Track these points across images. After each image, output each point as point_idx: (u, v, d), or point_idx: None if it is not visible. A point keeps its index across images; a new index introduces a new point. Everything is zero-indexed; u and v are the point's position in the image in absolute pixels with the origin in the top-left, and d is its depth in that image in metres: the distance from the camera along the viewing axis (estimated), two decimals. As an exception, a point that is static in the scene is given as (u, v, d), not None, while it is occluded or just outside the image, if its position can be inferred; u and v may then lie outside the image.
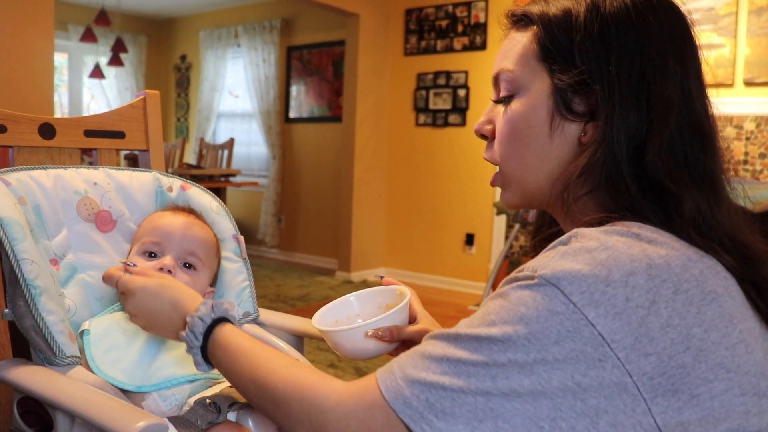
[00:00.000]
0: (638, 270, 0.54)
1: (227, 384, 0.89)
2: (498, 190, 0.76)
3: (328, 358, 2.87)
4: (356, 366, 2.80)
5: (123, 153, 4.38)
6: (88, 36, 5.32)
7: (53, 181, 0.97)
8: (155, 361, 0.87)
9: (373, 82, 4.70)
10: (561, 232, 0.67)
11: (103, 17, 5.04)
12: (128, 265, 0.86)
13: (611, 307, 0.53)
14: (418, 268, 4.72)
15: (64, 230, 0.96)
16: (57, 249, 0.94)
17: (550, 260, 0.56)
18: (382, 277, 0.93)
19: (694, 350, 0.53)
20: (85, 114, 3.05)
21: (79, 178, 1.01)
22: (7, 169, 0.93)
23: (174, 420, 0.84)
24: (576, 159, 0.65)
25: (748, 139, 3.37)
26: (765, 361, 0.57)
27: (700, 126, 0.64)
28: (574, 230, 0.59)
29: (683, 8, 0.67)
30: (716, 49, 3.41)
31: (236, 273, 1.07)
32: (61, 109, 6.16)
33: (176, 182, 1.11)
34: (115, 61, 5.56)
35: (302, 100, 5.53)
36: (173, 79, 6.73)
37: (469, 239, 4.46)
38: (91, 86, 6.36)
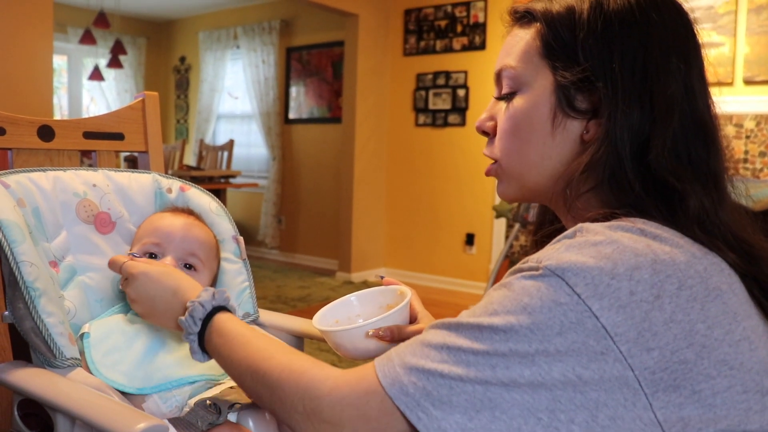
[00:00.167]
0: (643, 264, 0.54)
1: (228, 385, 0.89)
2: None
3: (328, 359, 2.87)
4: (356, 366, 2.80)
5: (122, 155, 4.37)
6: (87, 38, 5.32)
7: (52, 183, 0.97)
8: (155, 363, 0.87)
9: (372, 83, 4.70)
10: (563, 229, 0.67)
11: (102, 19, 5.04)
12: (134, 256, 0.88)
13: (615, 300, 0.52)
14: (419, 268, 4.72)
15: (63, 232, 0.96)
16: (56, 251, 0.94)
17: (555, 252, 0.56)
18: (382, 277, 0.93)
19: (697, 346, 0.53)
20: (85, 116, 3.05)
21: (78, 179, 1.00)
22: (6, 171, 0.93)
23: (174, 421, 0.83)
24: (578, 156, 0.65)
25: (748, 137, 3.37)
26: (768, 359, 0.57)
27: (703, 124, 0.64)
28: (580, 225, 0.59)
29: (685, 6, 0.67)
30: (716, 47, 3.41)
31: (236, 274, 1.07)
32: (60, 111, 6.16)
33: (175, 183, 1.11)
34: (114, 63, 5.56)
35: (302, 100, 5.52)
36: (173, 80, 6.73)
37: (470, 239, 4.45)
38: (91, 88, 6.36)
